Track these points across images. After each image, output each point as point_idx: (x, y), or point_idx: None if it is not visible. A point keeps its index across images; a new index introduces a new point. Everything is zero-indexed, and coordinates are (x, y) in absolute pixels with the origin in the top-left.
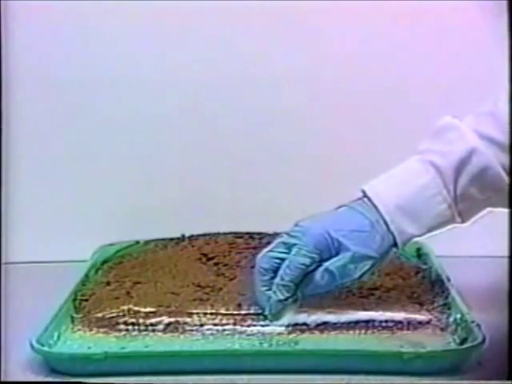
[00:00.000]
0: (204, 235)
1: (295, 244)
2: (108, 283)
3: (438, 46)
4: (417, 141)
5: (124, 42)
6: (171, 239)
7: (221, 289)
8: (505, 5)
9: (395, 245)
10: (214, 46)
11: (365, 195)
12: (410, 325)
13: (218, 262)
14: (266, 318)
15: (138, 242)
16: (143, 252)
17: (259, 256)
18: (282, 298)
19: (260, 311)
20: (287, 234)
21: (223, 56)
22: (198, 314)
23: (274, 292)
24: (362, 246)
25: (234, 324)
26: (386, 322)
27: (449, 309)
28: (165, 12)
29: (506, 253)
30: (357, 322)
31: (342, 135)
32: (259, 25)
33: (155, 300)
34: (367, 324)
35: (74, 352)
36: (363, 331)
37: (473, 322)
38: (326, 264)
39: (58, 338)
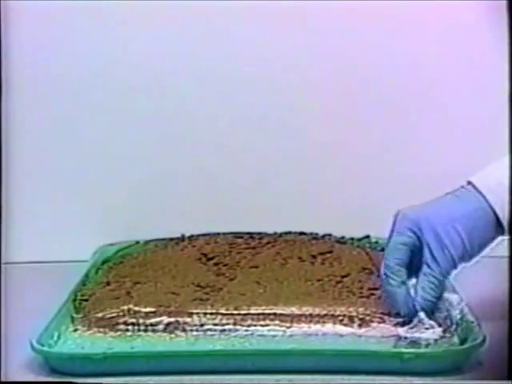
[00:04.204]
0: (204, 235)
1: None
2: (108, 283)
3: (438, 46)
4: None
5: (124, 41)
6: (171, 239)
7: (221, 289)
8: (505, 5)
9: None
10: (215, 45)
11: (469, 185)
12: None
13: (218, 262)
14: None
15: (137, 242)
16: (143, 252)
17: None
18: (394, 283)
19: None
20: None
21: (223, 56)
22: (197, 313)
23: (387, 279)
24: (469, 235)
25: (234, 324)
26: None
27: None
28: (164, 10)
29: (506, 253)
30: None
31: (343, 137)
32: (259, 24)
33: (155, 300)
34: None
35: (74, 352)
36: None
37: (473, 322)
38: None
39: (58, 338)
